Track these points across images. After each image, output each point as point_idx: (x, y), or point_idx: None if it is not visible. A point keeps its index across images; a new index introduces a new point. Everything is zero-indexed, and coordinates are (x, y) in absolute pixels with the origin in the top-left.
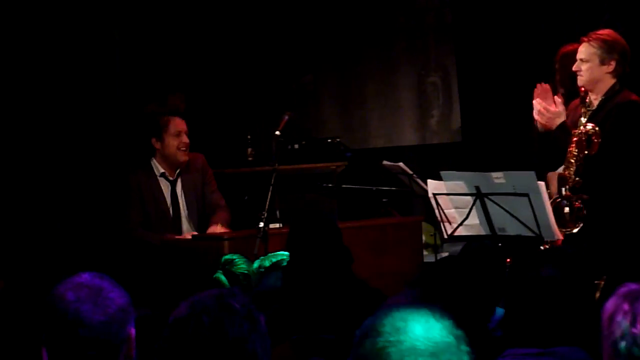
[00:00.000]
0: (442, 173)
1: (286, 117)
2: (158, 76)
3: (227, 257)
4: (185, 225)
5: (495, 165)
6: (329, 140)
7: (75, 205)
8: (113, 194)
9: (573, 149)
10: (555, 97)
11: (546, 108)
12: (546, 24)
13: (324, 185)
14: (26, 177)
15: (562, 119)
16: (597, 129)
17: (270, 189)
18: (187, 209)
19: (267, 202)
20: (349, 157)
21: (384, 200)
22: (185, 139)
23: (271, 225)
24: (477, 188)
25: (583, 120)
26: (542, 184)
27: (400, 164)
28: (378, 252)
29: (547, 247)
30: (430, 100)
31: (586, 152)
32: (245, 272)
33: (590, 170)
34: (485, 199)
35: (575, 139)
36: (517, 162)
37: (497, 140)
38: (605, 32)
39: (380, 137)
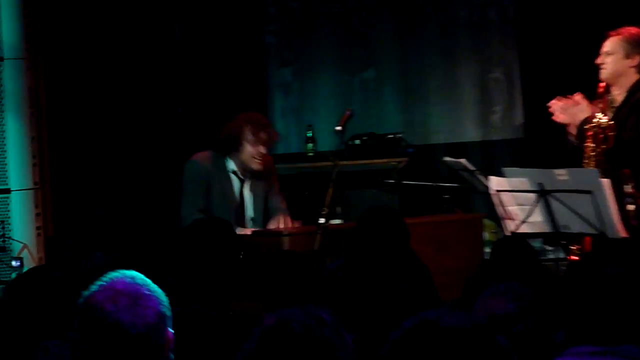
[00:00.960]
0: (505, 170)
1: (347, 113)
2: (218, 66)
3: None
4: (247, 222)
5: (558, 162)
6: (390, 136)
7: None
8: (178, 179)
9: (590, 144)
10: (575, 95)
11: (568, 103)
12: (610, 17)
13: (385, 181)
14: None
15: (587, 113)
16: (611, 122)
17: (331, 184)
18: (254, 211)
19: (328, 198)
20: (411, 153)
21: (446, 197)
22: (263, 151)
23: (332, 222)
24: (540, 185)
25: (600, 115)
26: (606, 181)
27: (462, 160)
28: (439, 249)
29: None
30: (492, 96)
31: (603, 146)
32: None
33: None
34: (549, 196)
35: (590, 133)
36: (581, 159)
37: (561, 137)
38: (632, 28)
39: (441, 133)
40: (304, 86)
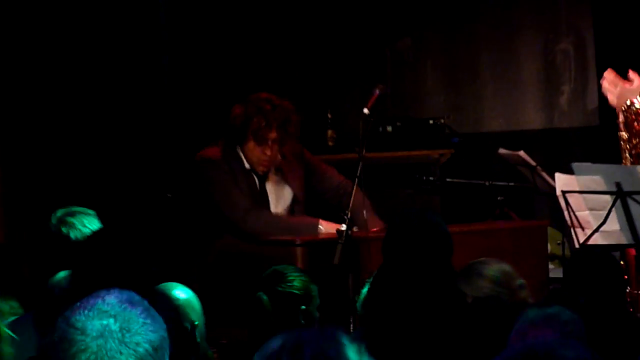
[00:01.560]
0: (574, 165)
1: (377, 92)
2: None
3: (278, 268)
4: None
5: None
6: (431, 122)
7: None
8: (199, 183)
9: (623, 134)
10: (630, 72)
11: (616, 82)
12: None
13: (424, 178)
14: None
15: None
16: None
17: (356, 182)
18: (276, 207)
19: (352, 199)
20: (456, 144)
21: (500, 198)
22: (269, 153)
23: (356, 229)
24: (618, 185)
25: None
26: None
27: (521, 152)
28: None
29: None
30: (559, 73)
31: None
32: (300, 292)
33: None
34: (628, 199)
35: (620, 120)
36: None
37: None
38: None
39: (495, 119)
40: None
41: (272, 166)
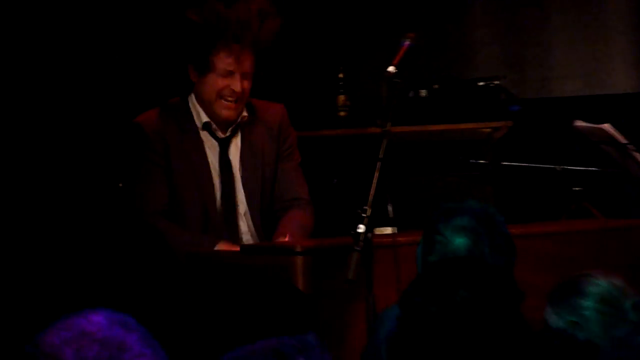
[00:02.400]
0: None
1: (407, 43)
2: None
3: None
4: (241, 220)
5: None
6: (482, 84)
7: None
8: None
9: None
10: None
11: None
12: None
13: (472, 161)
14: None
15: None
16: None
17: (378, 167)
18: (247, 193)
19: (372, 190)
20: (516, 113)
21: (576, 189)
22: (236, 85)
23: (378, 231)
24: None
25: None
26: None
27: (606, 126)
28: (565, 277)
29: None
30: None
31: None
32: None
33: None
34: None
35: None
36: None
37: None
38: None
39: (570, 79)
40: None
41: (241, 110)
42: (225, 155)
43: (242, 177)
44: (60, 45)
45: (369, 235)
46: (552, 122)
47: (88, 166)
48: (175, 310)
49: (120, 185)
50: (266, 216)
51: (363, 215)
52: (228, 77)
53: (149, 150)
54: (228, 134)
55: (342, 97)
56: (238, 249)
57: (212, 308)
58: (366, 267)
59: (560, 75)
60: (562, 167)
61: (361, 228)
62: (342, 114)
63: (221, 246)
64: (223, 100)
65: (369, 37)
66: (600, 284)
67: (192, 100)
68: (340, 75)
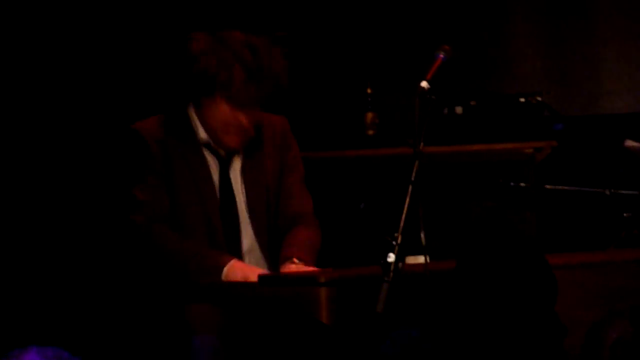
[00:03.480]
0: None
1: (441, 56)
2: None
3: None
4: (246, 237)
5: None
6: (523, 100)
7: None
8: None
9: None
10: None
11: None
12: None
13: (512, 184)
14: None
15: None
16: None
17: (410, 190)
18: (250, 210)
19: (403, 216)
20: (560, 132)
21: (627, 215)
22: (247, 120)
23: (410, 259)
24: None
25: None
26: None
27: None
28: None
29: None
30: None
31: None
32: None
33: None
34: None
35: None
36: None
37: None
38: None
39: (620, 95)
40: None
41: (245, 142)
42: (226, 173)
43: (246, 194)
44: (54, 41)
45: (400, 264)
46: (600, 142)
47: (83, 173)
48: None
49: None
50: (273, 231)
51: (393, 243)
52: (239, 109)
53: (148, 157)
54: (227, 154)
55: (370, 115)
56: (250, 271)
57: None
58: (396, 298)
59: (609, 90)
60: (611, 190)
61: (391, 257)
62: (370, 132)
63: (233, 264)
64: (230, 132)
65: (399, 49)
66: None
67: (192, 113)
68: (368, 91)
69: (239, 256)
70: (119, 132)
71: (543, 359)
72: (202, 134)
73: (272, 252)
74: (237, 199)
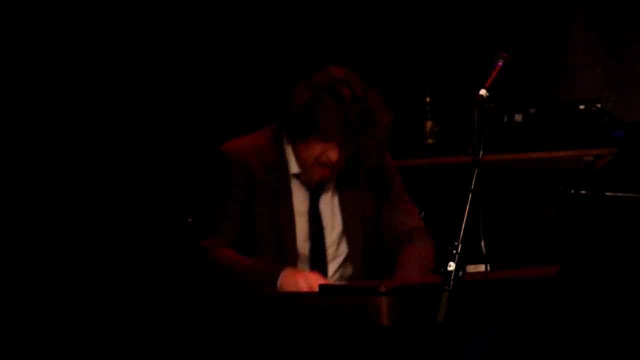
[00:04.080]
0: None
1: (500, 63)
2: None
3: None
4: (332, 267)
5: None
6: (583, 107)
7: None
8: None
9: None
10: None
11: None
12: None
13: (573, 192)
14: None
15: None
16: None
17: (470, 198)
18: (349, 238)
19: (464, 225)
20: (621, 139)
21: None
22: (336, 156)
23: (471, 268)
24: None
25: None
26: None
27: None
28: None
29: None
30: None
31: None
32: None
33: None
34: None
35: None
36: None
37: None
38: None
39: None
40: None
41: (332, 177)
42: (316, 204)
43: (344, 223)
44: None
45: (460, 273)
46: None
47: (155, 199)
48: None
49: (190, 220)
50: (373, 259)
51: (453, 251)
52: (329, 144)
53: (230, 181)
54: (315, 184)
55: (429, 123)
56: (304, 273)
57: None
58: (457, 307)
59: None
60: None
61: (451, 266)
62: (429, 141)
63: (287, 273)
64: (319, 166)
65: (458, 57)
66: None
67: (286, 143)
68: (428, 100)
69: None
70: (208, 152)
71: None
72: (294, 168)
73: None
74: (325, 228)
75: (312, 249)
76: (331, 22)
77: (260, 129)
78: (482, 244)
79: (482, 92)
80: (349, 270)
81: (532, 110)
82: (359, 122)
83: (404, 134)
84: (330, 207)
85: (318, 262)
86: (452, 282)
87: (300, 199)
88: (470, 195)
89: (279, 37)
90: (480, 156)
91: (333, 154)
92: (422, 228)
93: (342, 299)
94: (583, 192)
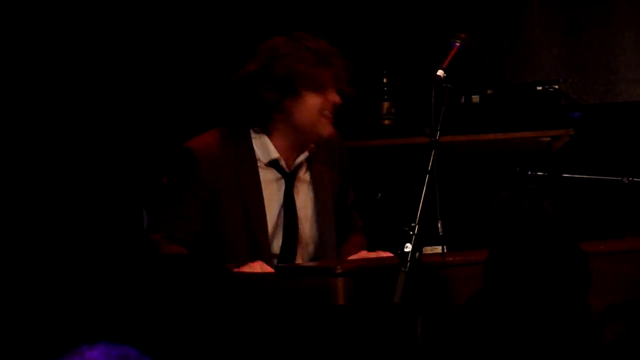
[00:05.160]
0: None
1: (457, 44)
2: None
3: None
4: (300, 259)
5: None
6: (540, 88)
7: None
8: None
9: None
10: None
11: None
12: None
13: (530, 173)
14: None
15: None
16: None
17: (427, 180)
18: (319, 227)
19: (420, 206)
20: (578, 120)
21: None
22: (336, 96)
23: (427, 250)
24: None
25: None
26: None
27: None
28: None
29: None
30: None
31: None
32: None
33: None
34: None
35: None
36: None
37: None
38: None
39: (637, 83)
40: None
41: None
42: (290, 192)
43: (317, 212)
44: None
45: (417, 255)
46: (618, 130)
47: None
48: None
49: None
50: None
51: (410, 233)
52: (326, 91)
53: (195, 179)
54: (295, 167)
55: (386, 104)
56: (259, 262)
57: (244, 335)
58: (413, 288)
59: (626, 78)
60: (629, 179)
61: (408, 247)
62: (386, 122)
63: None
64: (324, 118)
65: (415, 37)
66: None
67: (258, 134)
68: (385, 80)
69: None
70: (174, 149)
71: (576, 347)
72: (273, 153)
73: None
74: (299, 217)
75: (285, 238)
76: (285, 2)
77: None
78: (439, 225)
79: (440, 72)
80: (321, 259)
81: (489, 92)
82: (333, 52)
83: (360, 115)
84: (305, 195)
85: (289, 253)
86: (408, 263)
87: (272, 190)
88: (427, 176)
89: (228, 17)
90: (437, 137)
91: (334, 96)
92: (361, 228)
93: (298, 280)
94: (540, 173)
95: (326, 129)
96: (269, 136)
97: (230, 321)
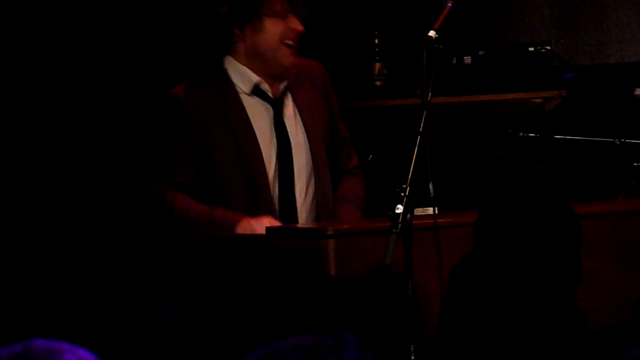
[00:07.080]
0: None
1: (449, 5)
2: None
3: None
4: (298, 189)
5: None
6: (531, 49)
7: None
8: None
9: None
10: None
11: None
12: None
13: (521, 135)
14: None
15: None
16: None
17: (418, 141)
18: (314, 156)
19: (412, 167)
20: (570, 81)
21: (636, 164)
22: (298, 24)
23: (419, 211)
24: None
25: None
26: None
27: None
28: (626, 265)
29: None
30: None
31: None
32: None
33: None
34: None
35: None
36: None
37: None
38: None
39: (629, 44)
40: None
41: (296, 63)
42: (280, 118)
43: (309, 138)
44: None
45: (408, 216)
46: (610, 91)
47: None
48: (194, 301)
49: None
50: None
51: (401, 194)
52: (286, 19)
53: (184, 122)
54: (280, 94)
55: (377, 65)
56: (259, 218)
57: (235, 297)
58: (405, 251)
59: (619, 39)
60: (621, 140)
61: (399, 209)
62: (378, 83)
63: (244, 221)
64: (285, 46)
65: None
66: None
67: (232, 63)
68: (376, 41)
69: (293, 205)
70: (156, 97)
71: (567, 307)
72: (253, 77)
73: (323, 200)
74: (293, 145)
75: (280, 171)
76: None
77: None
78: (431, 186)
79: (431, 33)
80: (317, 188)
81: (481, 53)
82: None
83: (352, 76)
84: (294, 122)
85: (285, 185)
86: (399, 225)
87: (261, 118)
88: (419, 137)
89: None
90: (428, 98)
91: (296, 23)
92: (358, 166)
93: (289, 241)
94: (532, 134)
95: (287, 57)
96: (238, 61)
97: (220, 283)
